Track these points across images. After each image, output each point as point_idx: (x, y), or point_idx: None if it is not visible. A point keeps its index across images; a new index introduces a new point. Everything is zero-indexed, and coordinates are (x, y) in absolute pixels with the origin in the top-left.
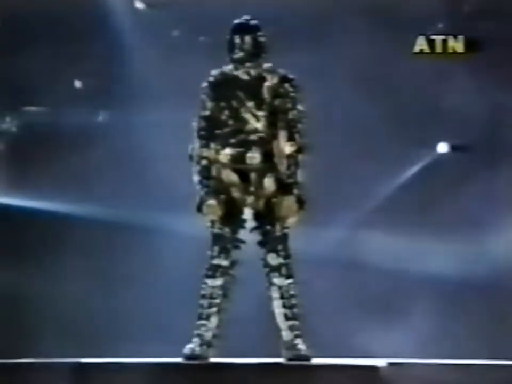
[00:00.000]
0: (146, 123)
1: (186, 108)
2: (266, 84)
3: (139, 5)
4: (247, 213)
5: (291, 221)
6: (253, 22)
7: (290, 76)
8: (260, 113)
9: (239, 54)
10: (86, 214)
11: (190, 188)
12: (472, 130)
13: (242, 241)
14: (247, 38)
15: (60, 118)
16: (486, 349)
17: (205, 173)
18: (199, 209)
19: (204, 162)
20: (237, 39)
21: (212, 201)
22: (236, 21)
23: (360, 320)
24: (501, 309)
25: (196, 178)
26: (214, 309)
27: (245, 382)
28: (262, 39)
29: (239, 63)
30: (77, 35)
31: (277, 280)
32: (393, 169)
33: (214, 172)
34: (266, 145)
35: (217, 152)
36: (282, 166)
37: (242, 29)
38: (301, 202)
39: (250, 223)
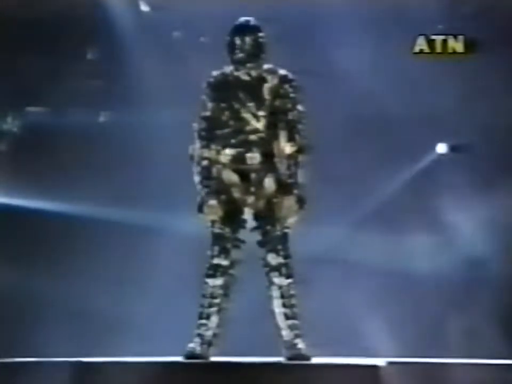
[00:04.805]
0: (147, 124)
1: (187, 108)
2: (267, 84)
3: (140, 7)
4: (247, 213)
5: (291, 221)
6: (253, 22)
7: (291, 77)
8: (260, 113)
9: (239, 55)
10: (86, 214)
11: (191, 188)
12: (472, 130)
13: (242, 241)
14: (248, 39)
15: (61, 118)
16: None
17: (206, 174)
18: (200, 209)
19: (205, 163)
20: (237, 40)
21: (212, 202)
22: (236, 22)
23: (360, 320)
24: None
25: (197, 178)
26: (215, 309)
27: (245, 381)
28: (262, 39)
29: (239, 64)
30: (78, 36)
31: (277, 280)
32: (393, 169)
33: (214, 172)
34: (266, 145)
35: (217, 152)
36: (283, 166)
37: (243, 29)
38: (301, 202)
39: (251, 223)
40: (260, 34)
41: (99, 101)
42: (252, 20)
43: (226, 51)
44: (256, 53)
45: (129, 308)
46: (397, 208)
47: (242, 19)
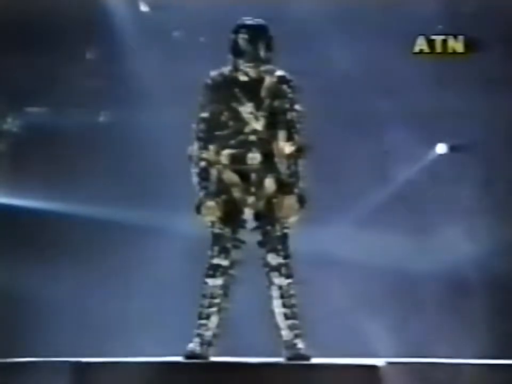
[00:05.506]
0: (147, 124)
1: (187, 108)
2: (265, 85)
3: (140, 6)
4: (248, 213)
5: (291, 220)
6: (262, 23)
7: (289, 77)
8: (259, 114)
9: (248, 55)
10: (86, 214)
11: (191, 189)
12: (472, 130)
13: (242, 241)
14: (258, 39)
15: (61, 118)
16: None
17: (204, 175)
18: (198, 210)
19: (203, 163)
20: (246, 40)
21: (210, 203)
22: (244, 22)
23: (361, 320)
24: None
25: (195, 179)
26: (214, 309)
27: (245, 381)
28: (270, 40)
29: (249, 63)
30: (78, 36)
31: (277, 280)
32: (392, 169)
33: (214, 172)
34: (266, 145)
35: (217, 153)
36: (283, 166)
37: (252, 29)
38: (301, 202)
39: (251, 223)
40: (269, 34)
41: (99, 101)
42: (260, 20)
43: (231, 51)
44: (265, 53)
45: (129, 308)
46: (398, 208)
47: (250, 19)
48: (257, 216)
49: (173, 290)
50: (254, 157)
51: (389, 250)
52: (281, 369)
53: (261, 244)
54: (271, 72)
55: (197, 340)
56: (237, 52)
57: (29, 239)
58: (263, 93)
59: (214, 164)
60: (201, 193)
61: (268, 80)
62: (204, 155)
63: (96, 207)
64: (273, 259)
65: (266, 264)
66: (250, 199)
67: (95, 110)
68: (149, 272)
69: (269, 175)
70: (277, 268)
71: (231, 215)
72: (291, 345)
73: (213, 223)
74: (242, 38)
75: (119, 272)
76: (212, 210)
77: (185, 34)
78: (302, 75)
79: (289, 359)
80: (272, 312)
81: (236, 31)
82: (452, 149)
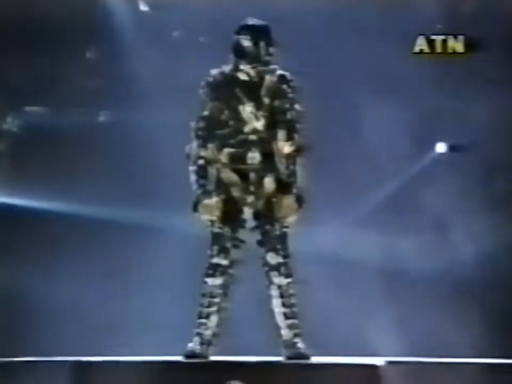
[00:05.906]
0: (146, 124)
1: (187, 108)
2: (265, 84)
3: (140, 6)
4: (247, 213)
5: (290, 220)
6: (264, 24)
7: (289, 76)
8: (260, 113)
9: (249, 56)
10: (86, 214)
11: (190, 188)
12: (472, 130)
13: (242, 241)
14: (259, 41)
15: (61, 118)
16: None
17: (202, 173)
18: (195, 208)
19: (201, 161)
20: (248, 41)
21: (207, 201)
22: (246, 23)
23: (360, 319)
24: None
25: (192, 177)
26: (214, 308)
27: (245, 381)
28: (272, 41)
29: (250, 64)
30: (78, 36)
31: (276, 279)
32: (392, 169)
33: (214, 171)
34: (266, 145)
35: (217, 152)
36: (282, 166)
37: (254, 31)
38: (300, 202)
39: (250, 223)
40: (271, 35)
41: (99, 101)
42: (262, 22)
43: (232, 51)
44: (266, 57)
45: (129, 308)
46: (397, 208)
47: (253, 20)
48: (256, 216)
49: (173, 290)
50: (254, 157)
51: (389, 250)
52: (281, 369)
53: (260, 243)
54: (271, 72)
55: (196, 339)
56: (238, 53)
57: (29, 239)
58: (264, 92)
59: (212, 162)
60: (199, 191)
61: (268, 80)
62: (203, 153)
63: (96, 207)
64: (272, 258)
65: (266, 264)
66: (250, 199)
67: (95, 110)
68: (149, 272)
69: (269, 174)
70: (276, 267)
71: (231, 215)
72: (291, 345)
73: (212, 222)
74: (243, 39)
75: (119, 272)
76: (209, 209)
77: (185, 34)
78: (302, 75)
79: (289, 358)
80: (271, 312)
81: (238, 32)
82: (452, 149)
